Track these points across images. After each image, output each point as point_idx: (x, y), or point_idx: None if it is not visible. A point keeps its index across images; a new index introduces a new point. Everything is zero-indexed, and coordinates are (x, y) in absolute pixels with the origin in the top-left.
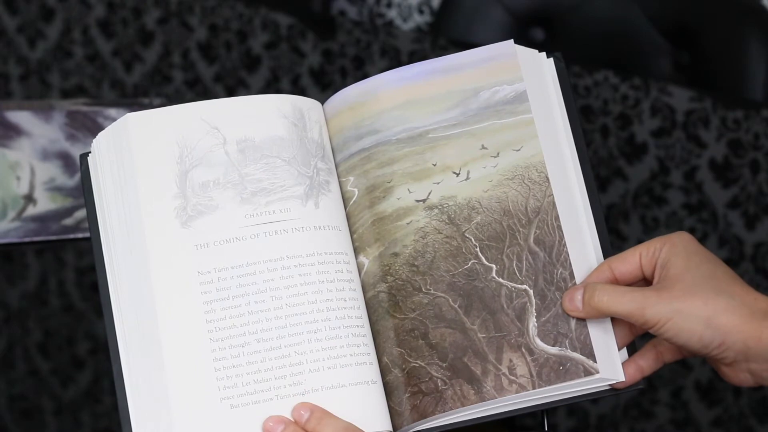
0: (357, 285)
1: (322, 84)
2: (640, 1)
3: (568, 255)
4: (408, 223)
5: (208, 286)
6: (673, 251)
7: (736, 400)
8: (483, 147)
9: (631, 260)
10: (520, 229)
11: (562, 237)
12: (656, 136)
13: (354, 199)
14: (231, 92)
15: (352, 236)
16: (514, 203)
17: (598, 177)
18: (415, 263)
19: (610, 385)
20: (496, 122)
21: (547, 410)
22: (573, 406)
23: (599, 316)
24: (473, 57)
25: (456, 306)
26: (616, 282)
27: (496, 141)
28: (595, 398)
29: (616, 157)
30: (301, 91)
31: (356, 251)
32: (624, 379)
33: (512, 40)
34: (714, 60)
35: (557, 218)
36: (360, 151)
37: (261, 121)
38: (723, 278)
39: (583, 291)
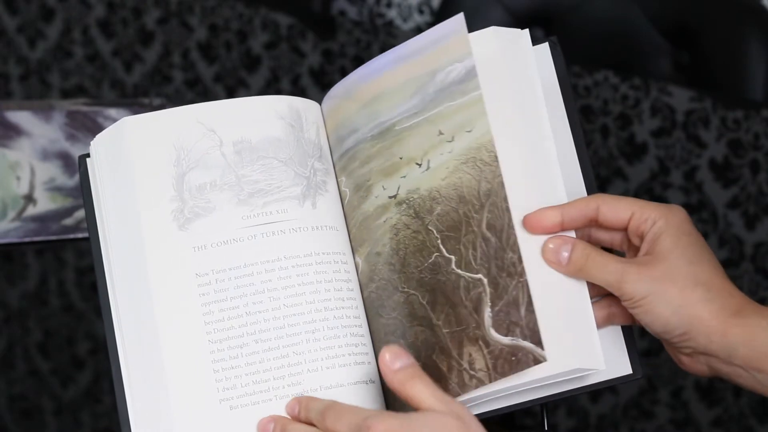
0: (355, 285)
1: (322, 84)
2: (640, 1)
3: (516, 238)
4: (384, 221)
5: (206, 287)
6: (665, 228)
7: (736, 400)
8: (440, 133)
9: (621, 211)
10: (474, 215)
11: (510, 219)
12: (656, 136)
13: (347, 199)
14: (231, 92)
15: (349, 236)
16: (469, 188)
17: (598, 177)
18: (392, 261)
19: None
20: (450, 104)
21: (547, 410)
22: (573, 406)
23: (581, 277)
24: (428, 38)
25: (425, 303)
26: (596, 222)
27: (451, 125)
28: (573, 395)
29: (616, 157)
30: (301, 91)
31: (353, 251)
32: (581, 366)
33: (462, 14)
34: (714, 60)
35: (505, 199)
36: (346, 151)
37: (257, 122)
38: (706, 267)
39: (572, 247)
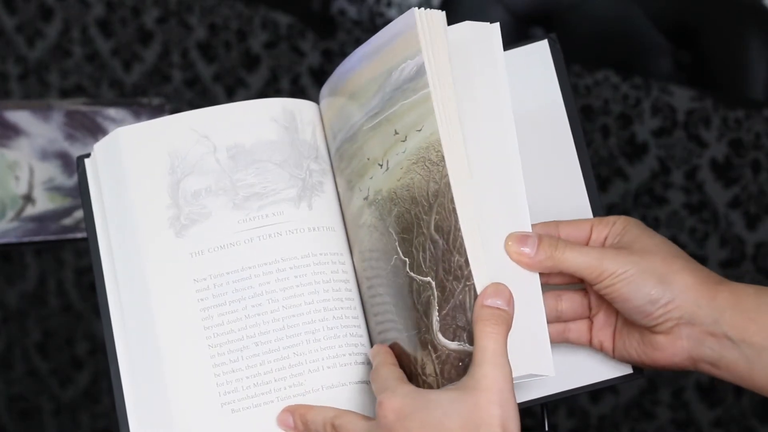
0: (353, 285)
1: (321, 83)
2: (640, 0)
3: (463, 240)
4: (362, 224)
5: (205, 293)
6: (627, 224)
7: (737, 401)
8: (396, 132)
9: (582, 227)
10: (424, 216)
11: (457, 221)
12: (657, 136)
13: (341, 198)
14: (230, 92)
15: (347, 236)
16: (419, 189)
17: (599, 177)
18: (372, 263)
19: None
20: (404, 103)
21: (548, 410)
22: (574, 407)
23: (551, 269)
24: (385, 36)
25: (393, 306)
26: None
27: (404, 124)
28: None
29: (617, 157)
30: (300, 91)
31: (351, 251)
32: (530, 372)
33: (414, 9)
34: (715, 59)
35: (452, 201)
36: (336, 151)
37: (251, 126)
38: (678, 249)
39: (537, 239)
